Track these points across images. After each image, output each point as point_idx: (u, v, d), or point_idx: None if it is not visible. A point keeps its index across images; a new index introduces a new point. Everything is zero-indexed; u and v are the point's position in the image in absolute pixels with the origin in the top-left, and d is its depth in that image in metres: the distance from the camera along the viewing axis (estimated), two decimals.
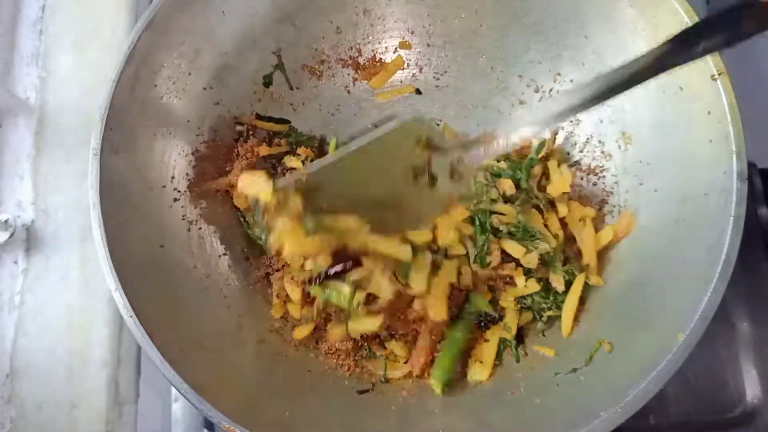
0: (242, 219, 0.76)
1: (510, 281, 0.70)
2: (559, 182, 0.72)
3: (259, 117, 0.79)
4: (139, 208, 0.65)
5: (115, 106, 0.62)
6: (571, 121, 0.77)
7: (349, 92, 0.84)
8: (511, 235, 0.69)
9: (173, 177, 0.70)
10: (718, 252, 0.54)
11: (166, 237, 0.68)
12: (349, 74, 0.84)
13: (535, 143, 0.75)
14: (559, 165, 0.74)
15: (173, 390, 0.78)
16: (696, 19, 0.60)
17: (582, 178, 0.76)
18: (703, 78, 0.59)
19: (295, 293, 0.71)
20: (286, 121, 0.81)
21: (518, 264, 0.69)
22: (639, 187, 0.68)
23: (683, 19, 0.60)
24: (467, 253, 0.70)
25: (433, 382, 0.65)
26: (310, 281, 0.62)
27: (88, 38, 0.88)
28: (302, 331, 0.71)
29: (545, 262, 0.69)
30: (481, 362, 0.67)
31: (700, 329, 0.52)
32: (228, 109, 0.77)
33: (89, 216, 0.59)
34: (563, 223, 0.71)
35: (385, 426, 0.63)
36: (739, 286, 0.75)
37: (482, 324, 0.70)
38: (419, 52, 0.84)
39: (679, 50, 0.51)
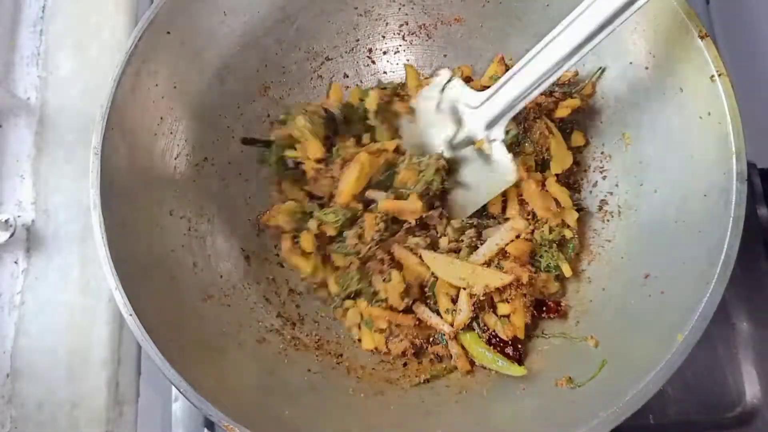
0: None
1: None
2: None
3: (245, 141, 0.77)
4: (139, 207, 0.65)
5: (116, 106, 0.62)
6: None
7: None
8: None
9: (174, 176, 0.70)
10: (717, 252, 0.54)
11: (167, 236, 0.68)
12: (348, 75, 0.84)
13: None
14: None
15: (173, 389, 0.78)
16: (696, 19, 0.60)
17: (582, 179, 0.76)
18: (702, 79, 0.59)
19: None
20: (271, 142, 0.78)
21: None
22: (639, 187, 0.68)
23: (683, 19, 0.61)
24: None
25: None
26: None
27: (88, 38, 0.88)
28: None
29: None
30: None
31: (700, 329, 0.52)
32: (229, 109, 0.77)
33: (89, 216, 0.59)
34: None
35: (385, 426, 0.63)
36: (739, 286, 0.76)
37: None
38: (419, 52, 0.84)
39: None
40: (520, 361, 0.67)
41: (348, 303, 0.73)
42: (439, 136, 0.72)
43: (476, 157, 0.70)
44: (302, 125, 0.74)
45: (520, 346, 0.68)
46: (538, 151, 0.73)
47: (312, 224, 0.74)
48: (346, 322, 0.73)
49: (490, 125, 0.67)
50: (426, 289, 0.71)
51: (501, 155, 0.67)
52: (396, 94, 0.78)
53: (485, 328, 0.68)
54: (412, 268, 0.70)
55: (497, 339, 0.67)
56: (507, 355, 0.66)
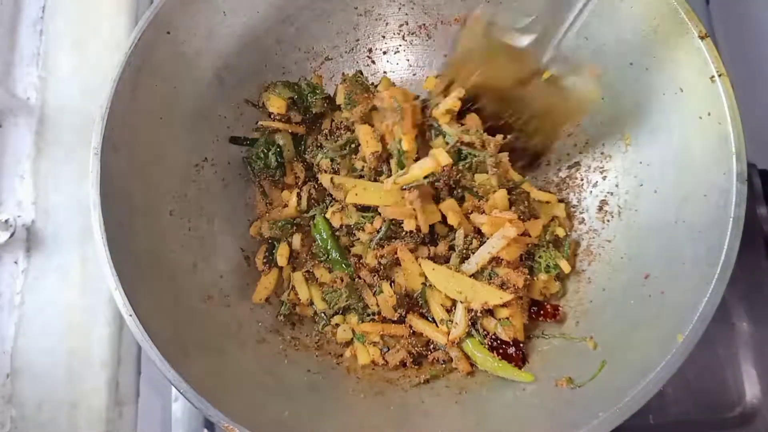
0: None
1: None
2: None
3: (232, 141, 0.78)
4: (139, 207, 0.65)
5: (116, 106, 0.62)
6: None
7: None
8: None
9: (174, 176, 0.70)
10: (717, 253, 0.54)
11: (167, 236, 0.68)
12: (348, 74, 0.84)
13: None
14: None
15: (173, 390, 0.78)
16: (696, 19, 0.60)
17: (582, 179, 0.76)
18: (703, 79, 0.59)
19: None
20: (256, 140, 0.79)
21: None
22: (639, 188, 0.68)
23: (683, 19, 0.61)
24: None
25: None
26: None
27: (88, 38, 0.88)
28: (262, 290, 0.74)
29: None
30: None
31: (700, 330, 0.52)
32: (229, 109, 0.77)
33: (89, 216, 0.59)
34: None
35: (385, 426, 0.63)
36: (739, 286, 0.76)
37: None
38: (419, 52, 0.84)
39: None
40: (523, 360, 0.67)
41: (337, 319, 0.73)
42: None
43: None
44: (266, 94, 0.78)
45: (521, 344, 0.68)
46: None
47: (296, 240, 0.75)
48: (337, 339, 0.73)
49: None
50: (418, 298, 0.71)
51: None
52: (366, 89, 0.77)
53: (485, 333, 0.68)
54: (410, 274, 0.70)
55: (498, 341, 0.67)
56: (510, 356, 0.66)
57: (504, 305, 0.66)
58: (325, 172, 0.74)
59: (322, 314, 0.74)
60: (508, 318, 0.67)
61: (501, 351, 0.67)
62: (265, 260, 0.76)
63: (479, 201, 0.70)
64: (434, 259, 0.71)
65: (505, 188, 0.71)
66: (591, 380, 0.59)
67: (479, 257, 0.67)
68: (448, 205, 0.69)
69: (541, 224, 0.72)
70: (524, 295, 0.69)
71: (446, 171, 0.68)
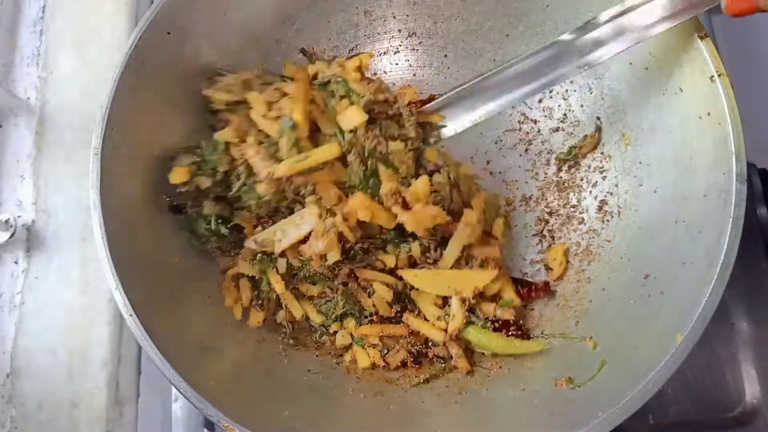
0: None
1: None
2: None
3: (172, 210, 0.69)
4: (139, 207, 0.65)
5: (116, 106, 0.62)
6: (571, 122, 0.77)
7: None
8: None
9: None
10: (717, 253, 0.54)
11: (167, 236, 0.68)
12: None
13: None
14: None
15: (173, 390, 0.78)
16: (695, 19, 0.60)
17: (582, 179, 0.76)
18: (702, 79, 0.59)
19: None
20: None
21: None
22: (639, 188, 0.68)
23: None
24: None
25: None
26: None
27: (88, 38, 0.88)
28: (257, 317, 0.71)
29: None
30: None
31: (699, 330, 0.52)
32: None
33: (90, 216, 0.59)
34: None
35: (385, 426, 0.63)
36: (738, 286, 0.76)
37: None
38: (420, 52, 0.84)
39: None
40: (528, 338, 0.68)
41: (334, 326, 0.72)
42: None
43: None
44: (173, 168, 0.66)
45: (521, 322, 0.69)
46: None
47: (281, 264, 0.69)
48: (336, 345, 0.72)
49: None
50: (406, 301, 0.71)
51: None
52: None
53: (485, 318, 0.68)
54: (380, 291, 0.69)
55: (500, 323, 0.68)
56: (514, 336, 0.67)
57: (492, 282, 0.67)
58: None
59: (320, 326, 0.73)
60: (499, 294, 0.68)
61: (504, 331, 0.67)
62: (253, 302, 0.71)
63: (397, 175, 0.64)
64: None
65: (426, 174, 0.67)
66: (591, 380, 0.59)
67: (450, 252, 0.67)
68: (358, 200, 0.62)
69: (476, 216, 0.69)
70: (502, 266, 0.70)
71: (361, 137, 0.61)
